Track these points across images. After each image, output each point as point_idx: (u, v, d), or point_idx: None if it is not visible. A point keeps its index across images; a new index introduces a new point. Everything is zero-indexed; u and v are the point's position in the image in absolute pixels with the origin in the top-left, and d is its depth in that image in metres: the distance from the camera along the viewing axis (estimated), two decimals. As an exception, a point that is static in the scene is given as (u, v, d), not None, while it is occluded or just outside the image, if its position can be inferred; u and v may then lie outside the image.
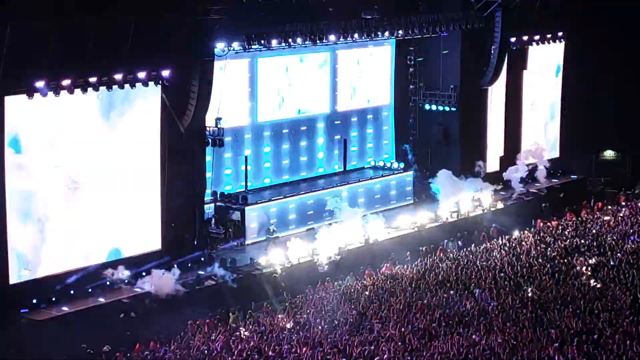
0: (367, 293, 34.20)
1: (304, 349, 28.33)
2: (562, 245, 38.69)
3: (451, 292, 33.52)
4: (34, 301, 33.74)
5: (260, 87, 44.63)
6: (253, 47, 40.55)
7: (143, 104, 37.05)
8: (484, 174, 49.41)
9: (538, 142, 53.27)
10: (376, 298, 33.39)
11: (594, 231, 40.86)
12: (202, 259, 38.51)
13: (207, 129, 39.95)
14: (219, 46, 39.10)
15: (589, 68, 53.64)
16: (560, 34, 53.42)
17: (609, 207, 46.52)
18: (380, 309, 31.98)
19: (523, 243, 39.74)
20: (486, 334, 28.81)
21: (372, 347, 28.17)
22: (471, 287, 33.77)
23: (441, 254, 39.88)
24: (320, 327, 30.41)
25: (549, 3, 51.20)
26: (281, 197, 43.66)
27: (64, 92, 33.90)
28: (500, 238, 41.54)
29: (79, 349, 31.10)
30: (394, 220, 44.20)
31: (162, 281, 35.73)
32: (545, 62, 53.90)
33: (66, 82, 33.78)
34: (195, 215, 39.47)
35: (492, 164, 51.56)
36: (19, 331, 32.41)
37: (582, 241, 39.07)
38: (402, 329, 29.55)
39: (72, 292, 34.79)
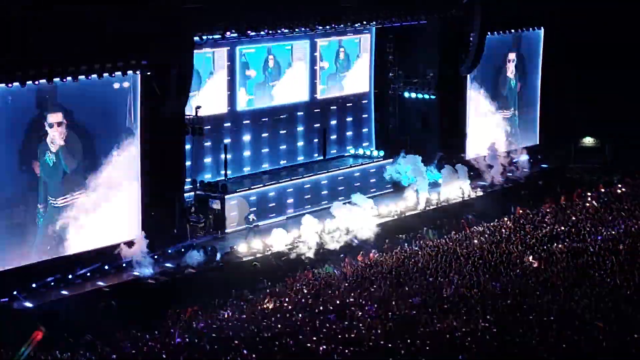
0: (347, 281, 34.26)
1: (285, 336, 28.36)
2: (542, 232, 38.83)
3: (430, 279, 33.62)
4: (14, 291, 33.68)
5: (239, 75, 44.55)
6: (232, 35, 40.49)
7: (122, 93, 36.96)
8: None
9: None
10: (356, 286, 33.44)
11: (574, 218, 41.00)
12: (182, 249, 38.46)
13: (187, 117, 39.86)
14: (198, 34, 38.99)
15: (568, 55, 53.74)
16: (539, 20, 53.52)
17: (589, 194, 46.64)
18: (360, 296, 32.02)
19: (502, 230, 39.86)
20: (467, 321, 28.91)
21: (353, 335, 28.22)
22: (451, 275, 33.87)
23: (420, 242, 39.93)
24: (301, 315, 30.44)
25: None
26: (261, 185, 43.64)
27: (42, 81, 33.81)
28: (479, 225, 41.64)
29: (59, 338, 31.02)
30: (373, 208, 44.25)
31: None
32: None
33: (45, 70, 33.67)
34: (175, 204, 39.40)
35: (474, 151, 51.60)
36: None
37: (562, 228, 39.22)
38: (383, 317, 29.61)
39: (52, 281, 34.71)
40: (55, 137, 35.27)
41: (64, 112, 35.45)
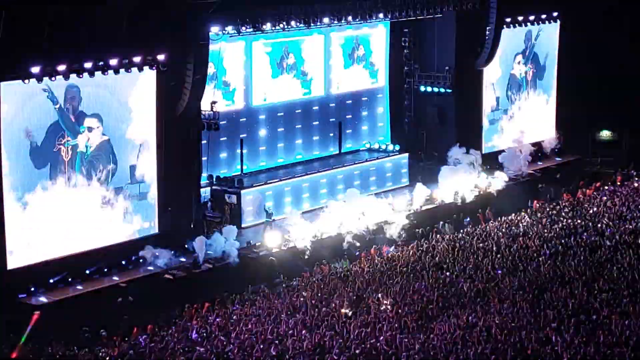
0: (363, 275, 34.24)
1: (302, 331, 28.37)
2: (559, 226, 38.74)
3: (447, 273, 33.58)
4: (32, 286, 33.77)
5: (255, 70, 44.56)
6: (247, 30, 40.49)
7: (138, 88, 37.01)
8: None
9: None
10: (373, 280, 33.42)
11: (591, 211, 40.87)
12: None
13: (203, 112, 39.88)
14: (214, 30, 39.00)
15: (584, 47, 53.55)
16: (555, 13, 53.35)
17: (606, 187, 46.48)
18: (377, 291, 32.00)
19: (519, 224, 39.78)
20: (483, 316, 28.87)
21: (369, 329, 28.22)
22: (467, 269, 33.82)
23: (437, 236, 39.88)
24: (317, 310, 30.44)
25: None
26: (277, 180, 43.65)
27: (59, 78, 33.85)
28: (496, 220, 41.55)
29: (76, 333, 31.12)
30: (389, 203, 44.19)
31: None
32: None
33: (61, 68, 33.70)
34: (192, 199, 39.44)
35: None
36: (17, 316, 32.40)
37: (579, 221, 39.11)
38: (399, 311, 29.60)
39: (69, 277, 34.81)
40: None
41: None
